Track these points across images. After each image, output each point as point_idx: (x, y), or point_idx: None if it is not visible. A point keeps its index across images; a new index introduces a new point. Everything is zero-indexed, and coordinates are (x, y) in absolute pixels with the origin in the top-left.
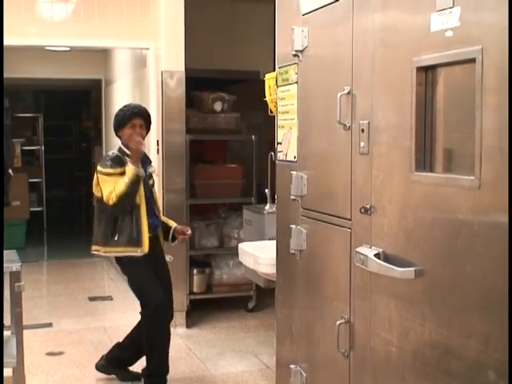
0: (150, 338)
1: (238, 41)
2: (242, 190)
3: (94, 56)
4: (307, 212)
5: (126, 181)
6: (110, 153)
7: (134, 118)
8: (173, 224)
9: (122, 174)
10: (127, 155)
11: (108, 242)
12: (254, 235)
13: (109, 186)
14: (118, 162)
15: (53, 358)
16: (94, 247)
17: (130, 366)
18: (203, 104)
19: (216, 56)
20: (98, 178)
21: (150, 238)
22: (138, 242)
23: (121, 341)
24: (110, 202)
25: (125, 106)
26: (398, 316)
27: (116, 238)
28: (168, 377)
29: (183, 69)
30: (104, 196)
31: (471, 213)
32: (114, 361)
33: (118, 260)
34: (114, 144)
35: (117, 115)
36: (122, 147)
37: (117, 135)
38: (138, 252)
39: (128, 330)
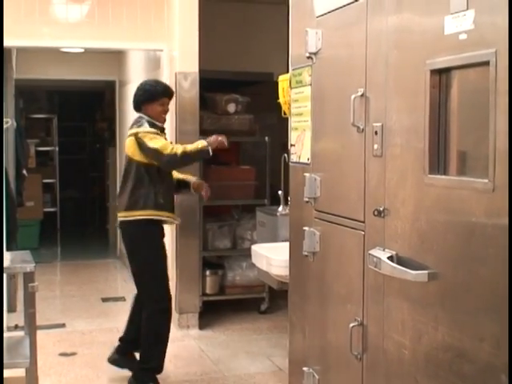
0: (160, 332)
1: (252, 42)
2: (256, 192)
3: (108, 57)
4: (320, 214)
5: (199, 147)
6: (143, 121)
7: (166, 97)
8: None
9: (158, 134)
10: (155, 125)
11: (149, 205)
12: (267, 237)
13: (161, 141)
14: (154, 126)
15: (66, 358)
16: (126, 213)
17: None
18: (217, 105)
19: (230, 57)
20: (138, 139)
21: None
22: (172, 210)
23: (122, 335)
24: (168, 151)
25: (155, 82)
26: (410, 319)
27: (161, 202)
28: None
29: (197, 70)
30: (160, 145)
31: (485, 216)
32: (126, 355)
33: (140, 236)
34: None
35: (146, 89)
36: (151, 119)
37: (139, 107)
38: (177, 221)
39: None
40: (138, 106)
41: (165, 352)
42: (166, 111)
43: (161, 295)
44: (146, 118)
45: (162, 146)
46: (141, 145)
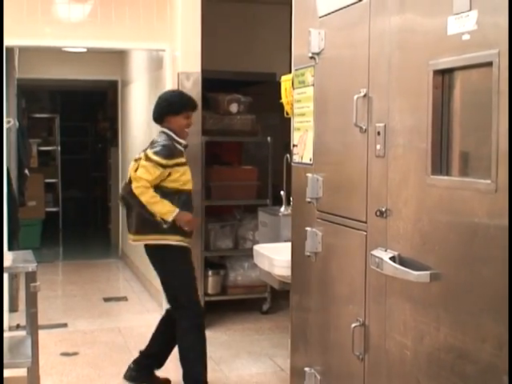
0: (197, 346)
1: (255, 42)
2: (258, 192)
3: (111, 57)
4: (323, 214)
5: (163, 211)
6: (162, 140)
7: (191, 109)
8: None
9: (174, 165)
10: (178, 142)
11: (163, 230)
12: (269, 237)
13: (147, 174)
14: (171, 154)
15: (67, 358)
16: (144, 237)
17: (157, 369)
18: (219, 105)
19: (232, 58)
20: (146, 161)
21: None
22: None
23: (144, 348)
24: (137, 191)
25: (180, 94)
26: (412, 319)
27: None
28: None
29: (199, 70)
30: (134, 175)
31: (487, 216)
32: (144, 369)
33: (164, 252)
34: (129, 145)
35: (171, 101)
36: (172, 134)
37: (161, 119)
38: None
39: (143, 331)
40: (160, 118)
41: (205, 365)
42: (189, 125)
43: (193, 305)
44: (168, 132)
45: (136, 178)
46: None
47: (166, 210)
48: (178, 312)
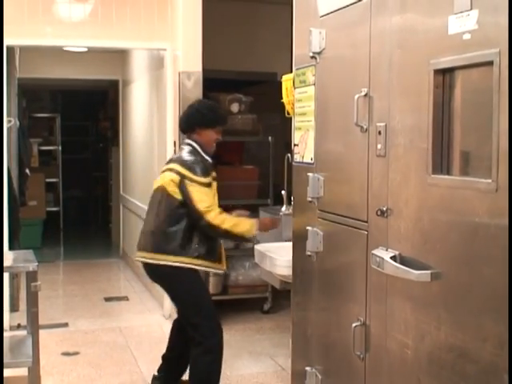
0: (212, 372)
1: (256, 42)
2: (259, 192)
3: (112, 57)
4: (324, 214)
5: (245, 228)
6: (189, 156)
7: (223, 124)
8: None
9: (209, 185)
10: (204, 159)
11: (182, 252)
12: (270, 237)
13: (207, 198)
14: (206, 170)
15: (68, 358)
16: (157, 255)
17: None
18: (220, 105)
19: (233, 57)
20: (182, 181)
21: None
22: (217, 257)
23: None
24: (207, 217)
25: (214, 107)
26: (413, 319)
27: (195, 248)
28: None
29: (200, 70)
30: (201, 207)
31: (488, 216)
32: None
33: (173, 274)
34: (130, 145)
35: (205, 113)
36: (199, 149)
37: (192, 129)
38: (220, 269)
39: (144, 331)
40: (190, 128)
41: None
42: (218, 140)
43: (209, 328)
44: (194, 145)
45: (206, 209)
46: (184, 191)
47: (247, 226)
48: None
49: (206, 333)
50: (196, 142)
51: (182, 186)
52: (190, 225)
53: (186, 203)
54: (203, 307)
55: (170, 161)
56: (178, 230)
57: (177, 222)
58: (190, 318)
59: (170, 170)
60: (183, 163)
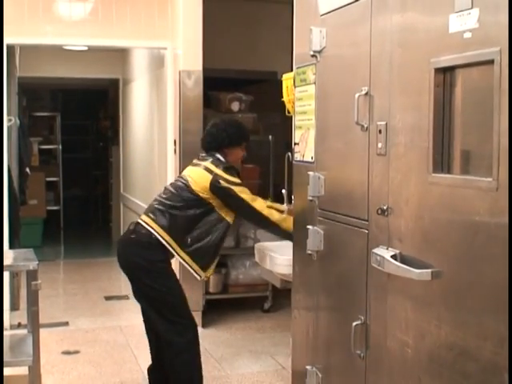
0: (191, 370)
1: (256, 41)
2: (259, 191)
3: (112, 55)
4: (324, 213)
5: (290, 224)
6: (219, 161)
7: (247, 141)
8: None
9: (242, 184)
10: (235, 170)
11: (179, 240)
12: (271, 235)
13: (247, 191)
14: (236, 175)
15: (69, 356)
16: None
17: None
18: (220, 104)
19: (233, 56)
20: (217, 183)
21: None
22: (206, 264)
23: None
24: (255, 205)
25: (239, 125)
26: (414, 317)
27: (189, 243)
28: None
29: (201, 68)
30: (245, 197)
31: (488, 214)
32: None
33: (153, 267)
34: (130, 143)
35: (231, 132)
36: (225, 161)
37: (219, 149)
38: (200, 276)
39: (144, 330)
40: (216, 148)
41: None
42: (244, 156)
43: (184, 325)
44: (221, 158)
45: (252, 197)
46: (221, 193)
47: (291, 221)
48: (169, 332)
49: (182, 330)
50: (223, 158)
51: (215, 187)
52: (196, 216)
53: (228, 200)
54: (186, 306)
55: (200, 160)
56: (183, 216)
57: (187, 207)
58: (176, 317)
59: (200, 165)
60: (217, 163)
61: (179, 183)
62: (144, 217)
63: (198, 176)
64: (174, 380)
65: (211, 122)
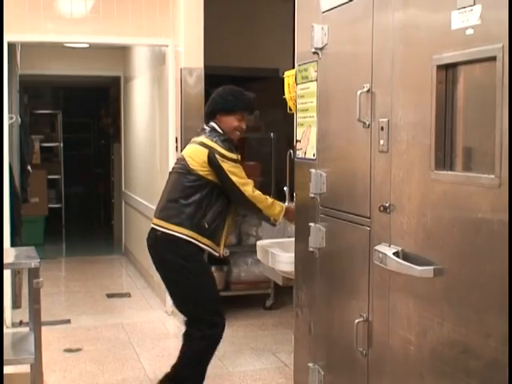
0: (202, 358)
1: (258, 38)
2: (261, 188)
3: (113, 53)
4: (326, 210)
5: (275, 212)
6: (214, 132)
7: (246, 112)
8: None
9: (237, 161)
10: (229, 137)
11: (196, 229)
12: (273, 233)
13: (241, 173)
14: (232, 146)
15: (71, 354)
16: (169, 225)
17: None
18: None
19: (235, 53)
20: (212, 158)
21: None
22: (218, 239)
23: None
24: (245, 192)
25: (239, 93)
26: (416, 315)
27: (207, 227)
28: None
29: (202, 66)
30: (237, 181)
31: (491, 211)
32: None
33: (186, 260)
34: (131, 141)
35: (227, 99)
36: (221, 131)
37: (213, 115)
38: (216, 251)
39: (146, 327)
40: (211, 114)
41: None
42: (241, 129)
43: (211, 319)
44: (217, 129)
45: (243, 182)
46: (215, 167)
47: (276, 212)
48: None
49: (209, 321)
50: (218, 126)
51: (211, 161)
52: (203, 199)
53: (220, 179)
54: (217, 301)
55: (197, 135)
56: (191, 203)
57: (192, 194)
58: (207, 310)
59: (195, 141)
60: (211, 136)
61: (178, 171)
62: (157, 220)
63: (195, 153)
64: (184, 356)
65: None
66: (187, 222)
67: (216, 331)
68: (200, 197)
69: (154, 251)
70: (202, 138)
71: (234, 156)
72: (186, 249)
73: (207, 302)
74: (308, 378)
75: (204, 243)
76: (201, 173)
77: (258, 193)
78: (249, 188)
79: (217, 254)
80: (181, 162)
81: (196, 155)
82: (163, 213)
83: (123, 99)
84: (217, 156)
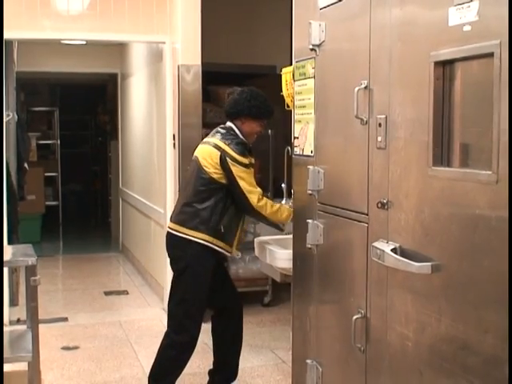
0: (170, 365)
1: (255, 35)
2: (259, 185)
3: (110, 50)
4: (324, 207)
5: (283, 217)
6: (229, 134)
7: (268, 119)
8: None
9: (248, 166)
10: (244, 141)
11: (212, 232)
12: (271, 230)
13: (249, 179)
14: (245, 151)
15: (68, 352)
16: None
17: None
18: (220, 98)
19: (233, 50)
20: (224, 161)
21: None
22: (231, 240)
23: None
24: (251, 200)
25: (265, 100)
26: (414, 311)
27: (223, 231)
28: None
29: (200, 63)
30: (245, 188)
31: (488, 208)
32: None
33: (187, 262)
34: (128, 138)
35: (255, 104)
36: (241, 136)
37: (237, 117)
38: (228, 251)
39: (144, 325)
40: (236, 115)
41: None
42: (260, 133)
43: (184, 326)
44: (236, 130)
45: (250, 189)
46: (226, 170)
47: (283, 217)
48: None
49: (178, 328)
50: (238, 128)
51: (223, 163)
52: (218, 203)
53: (229, 182)
54: (198, 310)
55: (210, 135)
56: (206, 207)
57: (207, 198)
58: (183, 315)
59: (209, 143)
60: (224, 138)
61: (194, 171)
62: (172, 224)
63: (207, 155)
64: (155, 363)
65: (239, 90)
66: (203, 226)
67: (185, 338)
68: (215, 201)
69: (169, 252)
70: (216, 140)
71: (245, 160)
72: (199, 252)
73: (193, 306)
74: (306, 375)
75: (219, 246)
76: (214, 176)
77: (264, 202)
78: (254, 196)
79: (229, 254)
80: (194, 162)
81: (209, 157)
82: (179, 217)
83: (120, 96)
84: (228, 159)
